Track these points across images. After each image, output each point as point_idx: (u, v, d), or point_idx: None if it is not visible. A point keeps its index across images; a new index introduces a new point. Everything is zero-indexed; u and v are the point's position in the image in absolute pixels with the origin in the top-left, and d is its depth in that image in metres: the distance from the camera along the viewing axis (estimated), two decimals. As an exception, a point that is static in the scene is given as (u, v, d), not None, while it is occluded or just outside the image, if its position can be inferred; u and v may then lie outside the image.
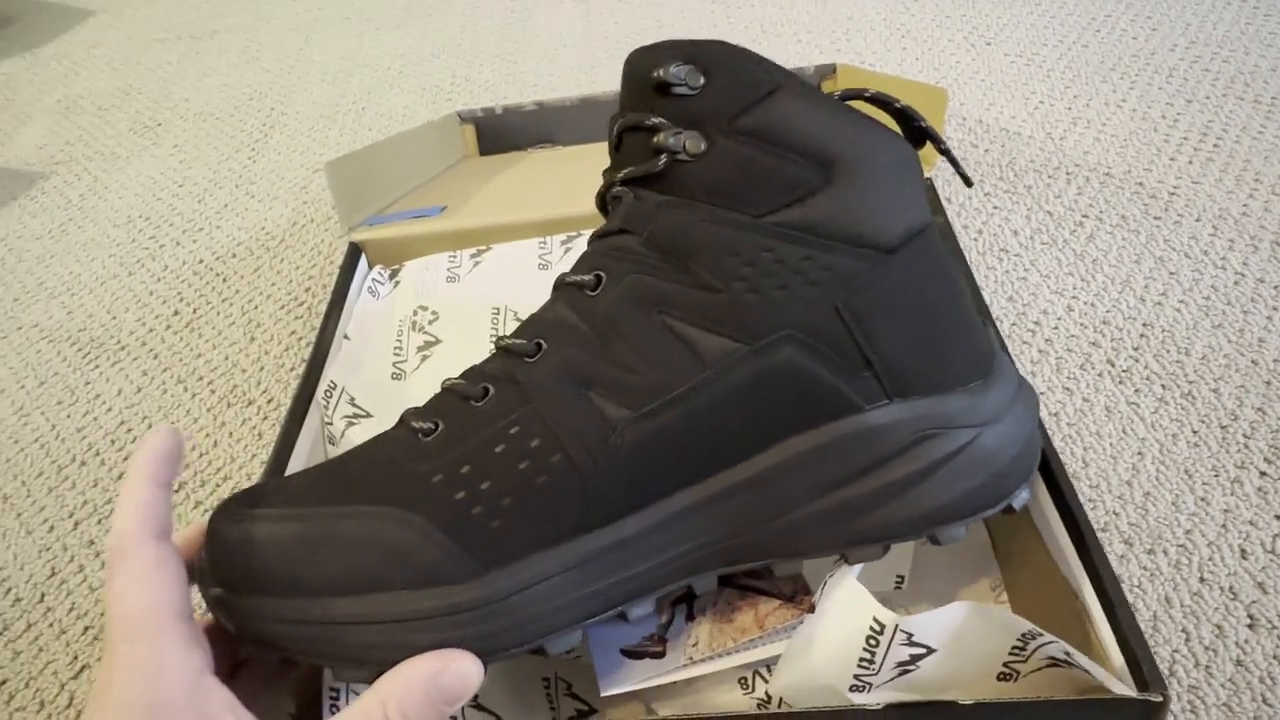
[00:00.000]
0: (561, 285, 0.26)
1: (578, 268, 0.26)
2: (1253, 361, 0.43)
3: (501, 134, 0.59)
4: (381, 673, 0.22)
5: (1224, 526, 0.37)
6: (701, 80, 0.24)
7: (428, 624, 0.22)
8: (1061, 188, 0.55)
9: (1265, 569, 0.35)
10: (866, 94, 0.27)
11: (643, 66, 0.25)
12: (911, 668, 0.24)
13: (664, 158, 0.24)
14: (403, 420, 0.25)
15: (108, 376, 0.53)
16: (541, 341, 0.25)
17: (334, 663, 0.23)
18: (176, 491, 0.45)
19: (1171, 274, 0.48)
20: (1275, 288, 0.46)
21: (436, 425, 0.24)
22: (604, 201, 0.28)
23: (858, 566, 0.25)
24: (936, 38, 0.73)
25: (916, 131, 0.27)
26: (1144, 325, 0.46)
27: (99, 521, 0.44)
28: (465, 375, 0.26)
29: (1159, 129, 0.59)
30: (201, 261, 0.61)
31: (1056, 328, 0.46)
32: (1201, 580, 0.35)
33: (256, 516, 0.23)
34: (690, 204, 0.24)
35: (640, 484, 0.24)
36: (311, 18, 0.94)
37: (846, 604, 0.24)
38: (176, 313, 0.57)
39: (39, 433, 0.50)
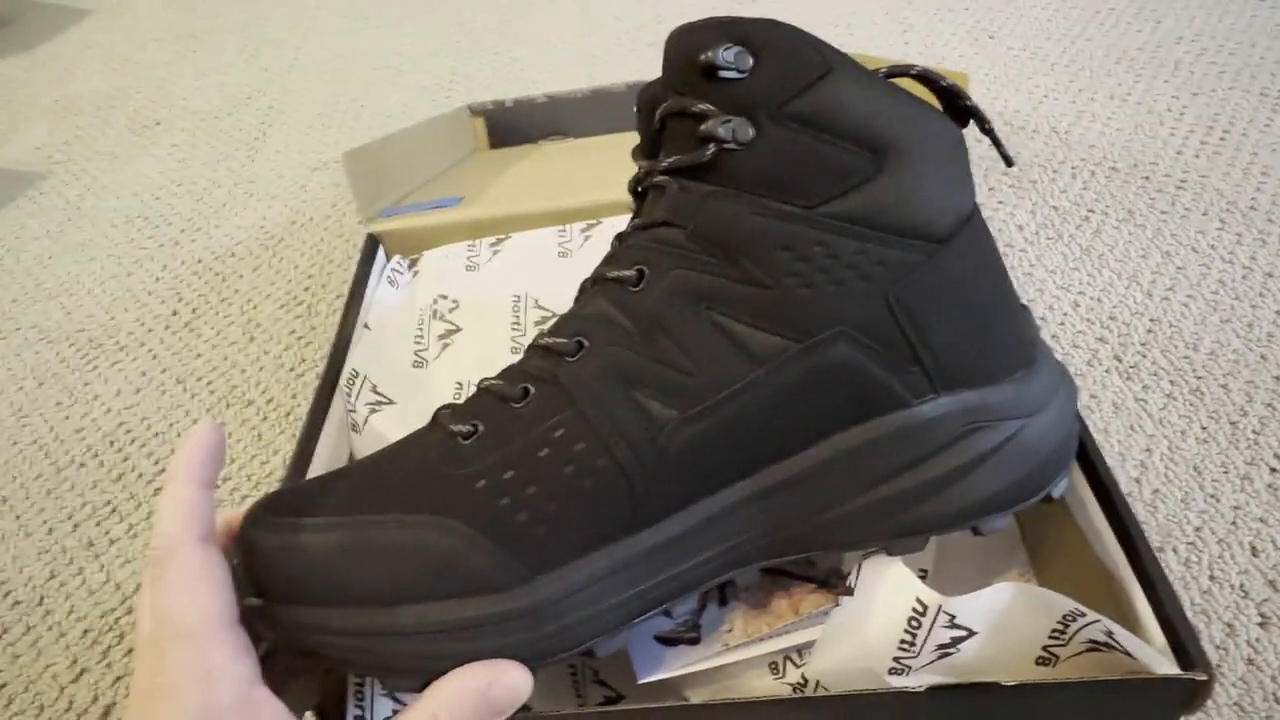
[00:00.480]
0: (602, 280, 0.25)
1: (618, 262, 0.25)
2: (1261, 357, 0.42)
3: (512, 127, 0.59)
4: (430, 682, 0.21)
5: (1234, 524, 0.36)
6: (751, 62, 0.23)
7: (476, 632, 0.22)
8: (1067, 182, 0.55)
9: (1276, 566, 0.34)
10: (913, 70, 0.25)
11: (688, 47, 0.23)
12: (951, 650, 0.24)
13: (712, 147, 0.23)
14: (438, 421, 0.25)
15: (106, 377, 0.52)
16: (583, 339, 0.24)
17: (382, 673, 0.22)
18: (176, 493, 0.45)
19: (1179, 268, 0.48)
20: (1284, 282, 0.46)
21: (476, 428, 0.24)
22: (639, 188, 0.26)
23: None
24: (939, 31, 0.72)
25: (961, 110, 0.25)
26: (1151, 320, 0.45)
27: (98, 524, 0.44)
28: (503, 375, 0.25)
29: (1165, 122, 0.58)
30: (200, 261, 0.60)
31: (1063, 323, 0.46)
32: (1212, 578, 0.35)
33: (299, 526, 0.22)
34: (739, 195, 0.23)
35: (687, 484, 0.23)
36: (309, 16, 0.93)
37: (889, 585, 0.24)
38: (175, 313, 0.56)
39: (37, 434, 0.49)
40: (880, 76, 0.24)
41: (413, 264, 0.46)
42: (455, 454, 0.23)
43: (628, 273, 0.24)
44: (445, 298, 0.41)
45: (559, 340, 0.24)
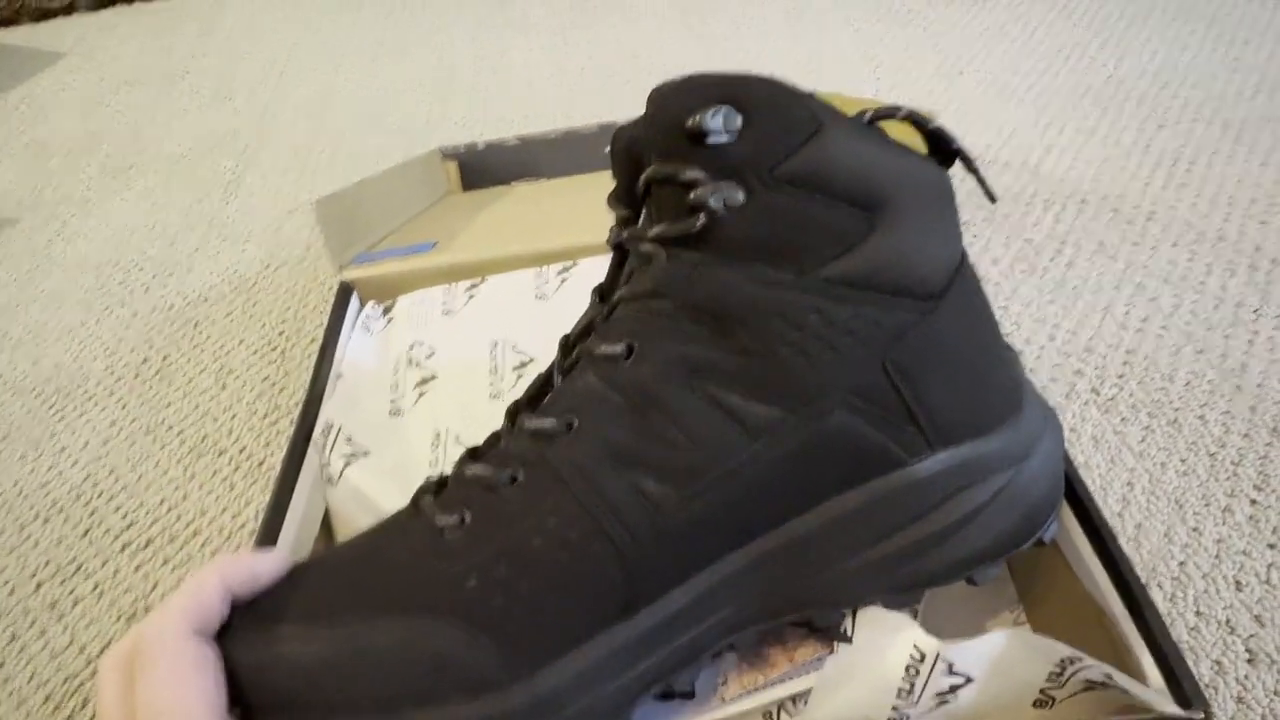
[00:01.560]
0: (591, 356, 0.24)
1: (606, 335, 0.24)
2: (1237, 387, 0.43)
3: (484, 169, 0.59)
4: None
5: (1217, 558, 0.36)
6: (739, 123, 0.22)
7: None
8: (1039, 215, 0.55)
9: (1261, 600, 0.34)
10: (900, 113, 0.24)
11: (674, 109, 0.22)
12: (949, 697, 0.24)
13: (702, 216, 0.22)
14: (420, 508, 0.24)
15: (74, 428, 0.51)
16: (573, 419, 0.23)
17: None
18: (144, 548, 0.44)
19: (1151, 299, 0.48)
20: (1255, 311, 0.47)
21: (464, 519, 0.23)
22: (621, 249, 0.25)
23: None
24: (909, 68, 0.73)
25: (948, 153, 0.25)
26: (1127, 352, 0.45)
27: (62, 582, 0.42)
28: (489, 459, 0.24)
29: (1131, 155, 0.59)
30: (172, 307, 0.60)
31: (1040, 357, 0.46)
32: (1198, 614, 0.34)
33: (276, 637, 0.21)
34: (730, 264, 0.22)
35: (684, 559, 0.23)
36: (285, 58, 0.94)
37: (885, 632, 0.24)
38: (145, 360, 0.55)
39: (0, 489, 0.48)
40: (867, 122, 0.24)
41: (387, 310, 0.46)
42: (443, 548, 0.22)
43: (617, 348, 0.23)
44: (421, 344, 0.41)
45: (548, 422, 0.23)
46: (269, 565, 0.22)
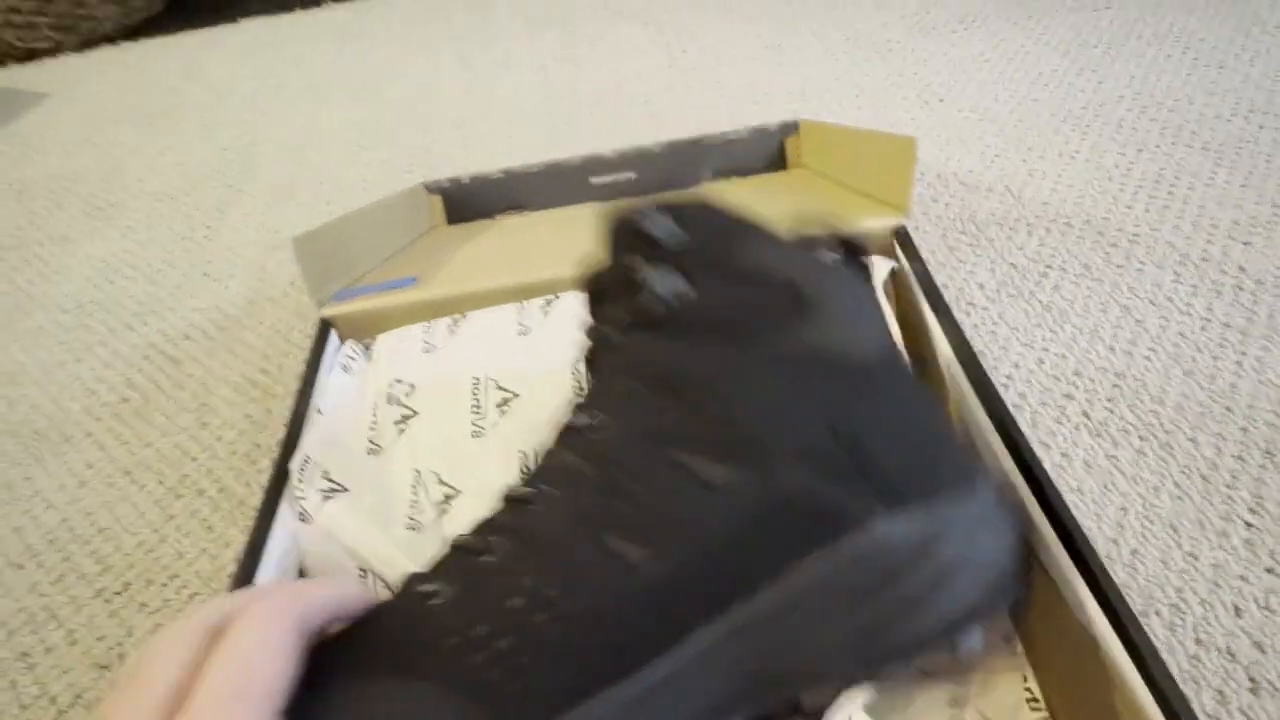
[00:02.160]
0: (564, 430, 0.26)
1: (578, 412, 0.26)
2: (1227, 408, 0.42)
3: (469, 202, 0.59)
4: None
5: (1215, 583, 0.35)
6: (681, 230, 0.27)
7: None
8: (1024, 239, 0.55)
9: (1262, 627, 0.34)
10: (822, 239, 0.30)
11: (630, 221, 0.28)
12: None
13: (658, 304, 0.26)
14: (407, 586, 0.24)
15: (50, 471, 0.50)
16: (548, 488, 0.25)
17: None
18: (119, 593, 0.42)
19: (1138, 321, 0.48)
20: (1241, 332, 0.46)
21: (445, 586, 0.23)
22: (596, 338, 0.29)
23: (864, 693, 0.25)
24: (891, 95, 0.74)
25: (861, 256, 0.30)
26: (1116, 375, 0.45)
27: (33, 631, 0.41)
28: (474, 530, 0.25)
29: (1113, 178, 0.60)
30: (153, 345, 0.59)
31: (1029, 381, 0.46)
32: (1198, 642, 0.34)
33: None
34: (683, 342, 0.26)
35: (662, 624, 0.22)
36: (270, 92, 0.94)
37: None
38: (125, 400, 0.54)
39: (-27, 535, 0.47)
40: (794, 240, 0.28)
41: (367, 348, 0.45)
42: (423, 613, 0.22)
43: (589, 421, 0.26)
44: (401, 381, 0.40)
45: (526, 490, 0.25)
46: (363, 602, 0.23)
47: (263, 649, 0.19)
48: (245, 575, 0.31)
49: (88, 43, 1.19)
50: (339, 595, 0.22)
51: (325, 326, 0.45)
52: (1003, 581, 0.26)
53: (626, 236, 0.27)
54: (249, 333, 0.58)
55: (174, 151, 0.85)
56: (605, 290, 0.28)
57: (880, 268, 0.43)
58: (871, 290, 0.29)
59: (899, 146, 0.45)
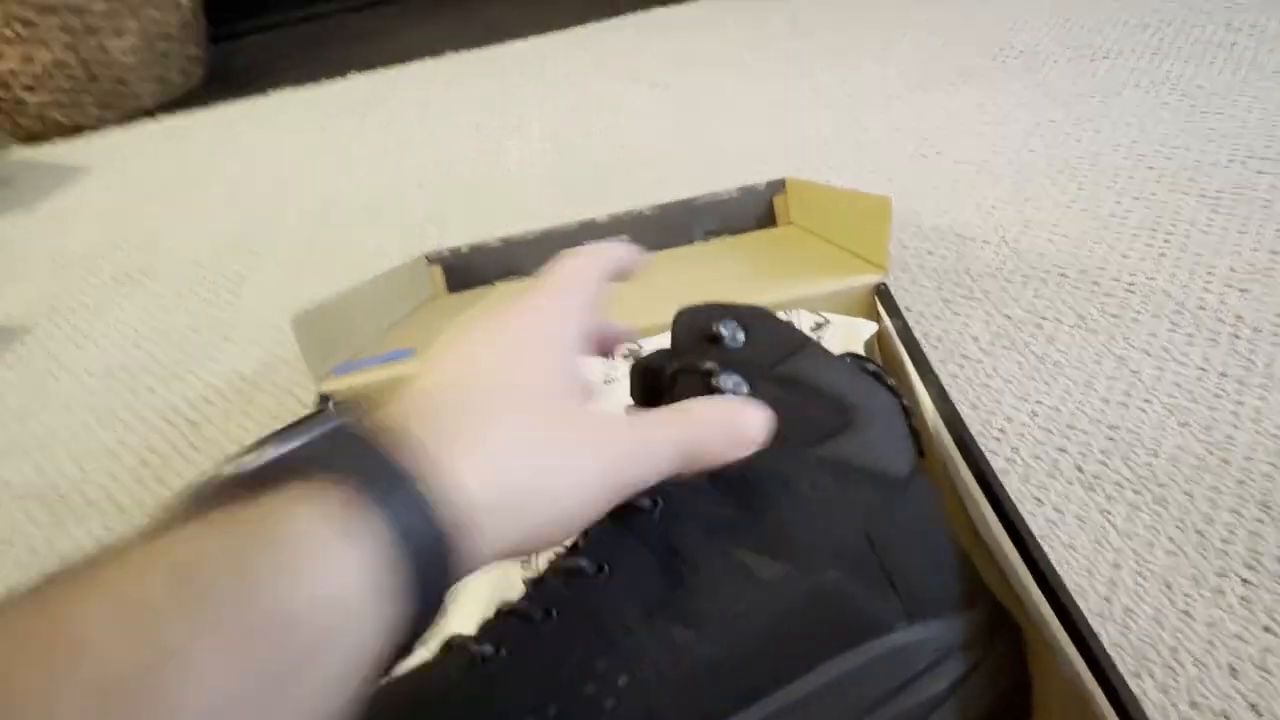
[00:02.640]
0: (624, 509, 0.27)
1: (641, 493, 0.28)
2: (1223, 461, 0.42)
3: (469, 271, 0.61)
4: None
5: (1210, 642, 0.35)
6: (743, 335, 0.29)
7: None
8: (1018, 290, 0.56)
9: (1258, 688, 0.33)
10: (869, 365, 0.32)
11: (697, 321, 0.30)
12: None
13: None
14: (452, 644, 0.25)
15: (71, 533, 0.52)
16: (606, 565, 0.26)
17: None
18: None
19: (1134, 372, 0.48)
20: (1239, 382, 0.46)
21: (498, 649, 0.24)
22: None
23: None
24: (889, 150, 0.75)
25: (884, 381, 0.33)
26: (1110, 428, 0.45)
27: (48, 693, 0.43)
28: (528, 595, 0.26)
29: (1109, 227, 0.60)
30: (174, 409, 0.61)
31: (1022, 434, 0.46)
32: (1193, 705, 0.33)
33: None
34: None
35: (702, 707, 0.24)
36: (294, 164, 0.98)
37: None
38: (145, 463, 0.56)
39: (-3, 598, 0.49)
40: (843, 357, 0.31)
41: None
42: (479, 676, 0.23)
43: (648, 503, 0.27)
44: None
45: (583, 563, 0.26)
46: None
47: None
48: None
49: (129, 117, 1.26)
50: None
51: (324, 401, 0.46)
52: (1018, 697, 0.28)
53: (697, 334, 0.30)
54: (264, 395, 0.60)
55: (203, 220, 0.89)
56: (660, 377, 0.30)
57: (864, 331, 0.43)
58: (897, 409, 0.30)
59: (877, 205, 0.46)
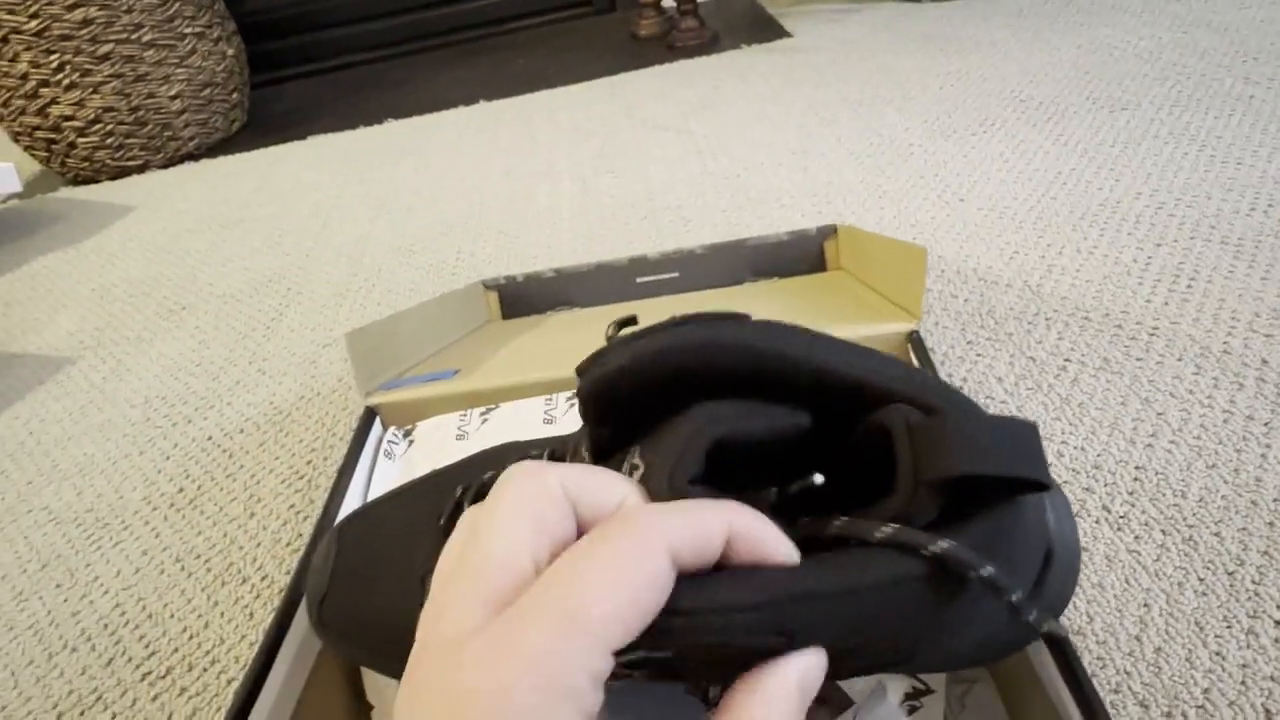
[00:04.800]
0: None
1: None
2: (1252, 502, 0.42)
3: (523, 299, 0.64)
4: None
5: (1243, 684, 0.35)
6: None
7: None
8: (1042, 333, 0.56)
9: (1294, 731, 0.33)
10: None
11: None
12: None
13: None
14: None
15: (108, 558, 0.53)
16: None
17: None
18: (163, 677, 0.44)
19: (1159, 414, 0.48)
20: (1266, 425, 0.46)
21: None
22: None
23: (897, 687, 0.27)
24: (912, 197, 0.77)
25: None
26: (1136, 468, 0.45)
27: (81, 713, 0.43)
28: None
29: (1132, 272, 0.61)
30: (210, 438, 0.63)
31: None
32: (1227, 746, 0.33)
33: None
34: None
35: None
36: (331, 204, 1.01)
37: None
38: (181, 490, 0.58)
39: (34, 618, 0.50)
40: None
41: (407, 434, 0.48)
42: None
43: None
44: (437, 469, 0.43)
45: None
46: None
47: (624, 576, 0.17)
48: (266, 660, 0.32)
49: (173, 160, 1.31)
50: (739, 530, 0.19)
51: (370, 413, 0.48)
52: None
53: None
54: (298, 425, 0.62)
55: (242, 258, 0.92)
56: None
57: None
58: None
59: (912, 255, 0.47)
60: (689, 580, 0.18)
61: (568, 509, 0.19)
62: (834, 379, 0.22)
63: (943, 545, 0.19)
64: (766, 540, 0.19)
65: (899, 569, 0.19)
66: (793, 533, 0.21)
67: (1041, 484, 0.20)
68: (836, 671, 0.22)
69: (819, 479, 0.21)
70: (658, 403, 0.23)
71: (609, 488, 0.20)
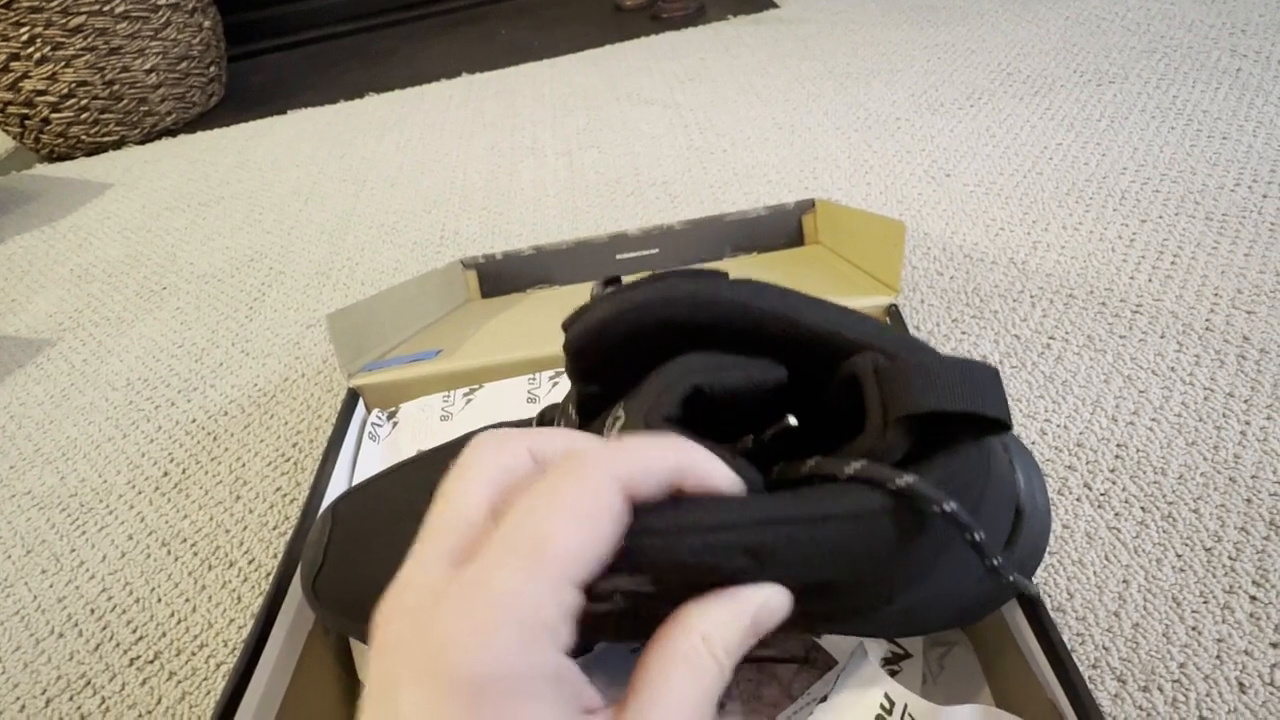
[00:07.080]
0: None
1: None
2: (1230, 479, 0.43)
3: (502, 277, 0.63)
4: None
5: (1219, 658, 0.35)
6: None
7: None
8: (1027, 311, 0.56)
9: (1266, 704, 0.33)
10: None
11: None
12: None
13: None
14: None
15: (93, 542, 0.53)
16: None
17: None
18: (151, 662, 0.44)
19: (1141, 392, 0.49)
20: (1245, 402, 0.47)
21: None
22: None
23: (877, 650, 0.27)
24: (898, 172, 0.76)
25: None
26: (1118, 446, 0.46)
27: (70, 698, 0.43)
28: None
29: (1116, 249, 0.61)
30: (194, 421, 0.62)
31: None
32: (1201, 719, 0.33)
33: None
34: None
35: None
36: (312, 181, 1.00)
37: (860, 682, 0.26)
38: (166, 474, 0.57)
39: (20, 604, 0.49)
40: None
41: (391, 415, 0.48)
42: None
43: None
44: (422, 449, 0.43)
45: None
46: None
47: (577, 510, 0.17)
48: (256, 647, 0.32)
49: (150, 135, 1.29)
50: (684, 463, 0.19)
51: (353, 395, 0.47)
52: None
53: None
54: (282, 408, 0.61)
55: (222, 237, 0.90)
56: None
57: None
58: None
59: (892, 229, 0.47)
60: (663, 505, 0.19)
61: (534, 469, 0.19)
62: (809, 333, 0.23)
63: (907, 479, 0.19)
64: (714, 474, 0.19)
65: (866, 501, 0.20)
66: (769, 478, 0.22)
67: (1003, 423, 0.20)
68: (814, 618, 0.23)
69: (793, 421, 0.22)
70: (641, 358, 0.23)
71: (578, 445, 0.20)
